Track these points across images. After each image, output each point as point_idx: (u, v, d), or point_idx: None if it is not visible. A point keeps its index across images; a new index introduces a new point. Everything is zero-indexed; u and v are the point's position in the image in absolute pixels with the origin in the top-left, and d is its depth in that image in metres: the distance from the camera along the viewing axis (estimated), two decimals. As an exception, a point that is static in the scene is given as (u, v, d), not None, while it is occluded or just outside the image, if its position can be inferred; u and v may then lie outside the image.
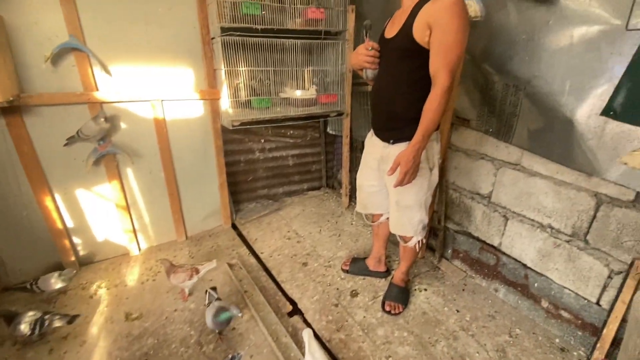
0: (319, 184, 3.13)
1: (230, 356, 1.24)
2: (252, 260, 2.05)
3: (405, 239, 1.56)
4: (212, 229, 2.37)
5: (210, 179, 2.23)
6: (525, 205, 1.58)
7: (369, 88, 2.25)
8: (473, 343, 1.48)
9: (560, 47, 1.25)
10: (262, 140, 2.64)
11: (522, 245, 1.63)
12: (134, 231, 2.03)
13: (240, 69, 1.88)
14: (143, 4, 1.69)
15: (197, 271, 1.66)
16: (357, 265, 1.89)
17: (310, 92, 2.21)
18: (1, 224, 1.66)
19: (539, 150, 1.46)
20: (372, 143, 1.52)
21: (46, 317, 1.40)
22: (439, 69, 1.13)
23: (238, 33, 1.77)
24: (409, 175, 1.23)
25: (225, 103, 1.94)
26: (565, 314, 1.50)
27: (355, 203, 2.74)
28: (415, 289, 1.80)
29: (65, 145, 1.67)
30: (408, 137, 1.25)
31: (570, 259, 1.45)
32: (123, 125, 1.82)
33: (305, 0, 1.96)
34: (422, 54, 1.17)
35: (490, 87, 1.57)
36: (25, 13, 1.47)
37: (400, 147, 1.36)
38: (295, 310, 1.65)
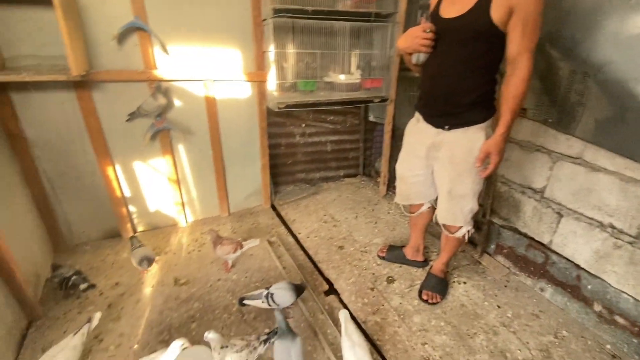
0: (355, 172, 3.12)
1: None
2: (290, 239, 2.11)
3: (452, 230, 1.53)
4: (253, 207, 2.46)
5: (254, 159, 2.30)
6: (584, 202, 1.48)
7: (417, 74, 2.22)
8: (514, 340, 1.43)
9: (645, 29, 1.13)
10: (303, 125, 2.67)
11: (576, 244, 1.53)
12: (183, 204, 2.16)
13: (289, 51, 1.90)
14: (201, -15, 1.75)
15: (241, 246, 1.74)
16: (394, 253, 1.89)
17: (355, 77, 2.19)
18: (71, 189, 1.84)
19: (607, 143, 1.35)
20: (420, 130, 1.48)
21: (73, 277, 1.53)
22: (522, 52, 1.10)
23: (289, 15, 1.78)
24: (498, 165, 1.25)
25: (272, 85, 1.97)
26: (620, 320, 1.40)
27: (393, 192, 2.70)
28: (454, 281, 1.76)
29: (127, 120, 1.79)
30: (466, 123, 1.21)
31: (632, 262, 1.34)
32: (177, 103, 1.92)
33: (357, -18, 1.92)
34: (493, 37, 1.12)
35: (553, 73, 1.46)
36: (96, -6, 1.58)
37: (456, 134, 1.32)
38: (332, 290, 1.68)
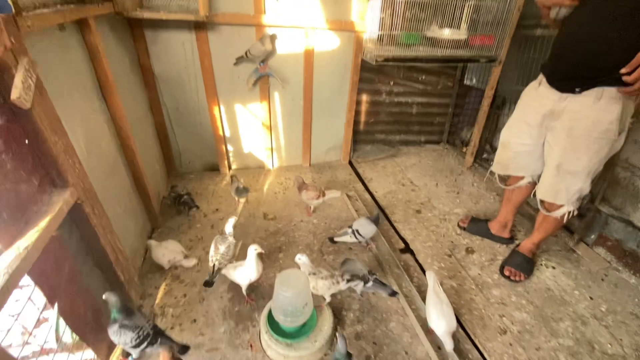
0: (438, 139, 2.97)
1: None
2: (367, 196, 2.17)
3: (551, 208, 1.41)
4: (332, 161, 2.54)
5: (340, 113, 2.33)
6: None
7: (538, 31, 1.93)
8: (606, 334, 1.34)
9: None
10: (392, 83, 2.57)
11: None
12: (272, 149, 2.32)
13: (397, -1, 1.79)
14: None
15: (324, 194, 1.84)
16: (477, 226, 1.82)
17: (461, 32, 2.00)
18: (184, 123, 2.09)
19: None
20: (540, 95, 1.33)
21: (185, 196, 1.79)
22: None
23: (404, -43, 1.65)
24: None
25: (374, 35, 1.90)
26: None
27: (480, 164, 2.54)
28: (542, 264, 1.66)
29: (235, 64, 1.92)
30: (603, 83, 1.05)
31: None
32: (279, 50, 1.98)
33: None
34: None
35: None
36: None
37: (585, 101, 1.17)
38: (407, 249, 1.72)
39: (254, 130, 2.22)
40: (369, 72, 2.43)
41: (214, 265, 1.32)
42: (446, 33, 2.00)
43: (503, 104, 2.41)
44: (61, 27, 1.06)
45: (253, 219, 1.88)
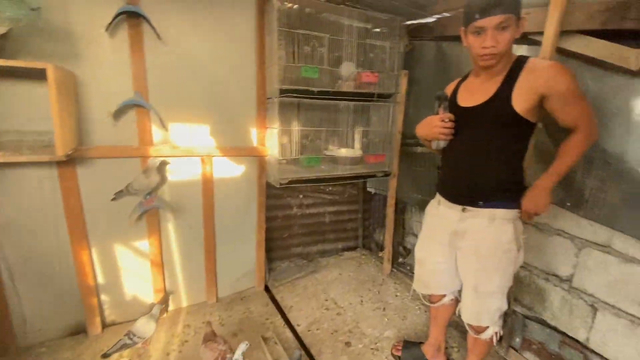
0: (354, 244, 2.94)
1: None
2: (288, 333, 1.83)
3: (479, 330, 1.34)
4: (245, 290, 2.19)
5: (249, 236, 2.11)
6: (622, 296, 1.34)
7: (419, 149, 2.21)
8: None
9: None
10: (301, 196, 2.55)
11: (618, 345, 1.36)
12: (165, 290, 1.88)
13: (293, 128, 1.86)
14: (208, 64, 1.75)
15: (231, 352, 1.45)
16: (411, 352, 1.63)
17: (357, 151, 2.16)
18: (32, 276, 1.56)
19: (634, 231, 1.27)
20: (441, 214, 1.36)
21: None
22: (579, 118, 1.07)
23: (294, 94, 1.77)
24: (544, 207, 1.14)
25: (275, 160, 1.88)
26: None
27: (398, 269, 2.52)
28: (484, 387, 1.50)
29: (113, 199, 1.62)
30: (487, 207, 1.14)
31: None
32: (171, 179, 1.78)
33: (360, 63, 1.99)
34: (515, 126, 1.10)
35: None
36: (96, 70, 1.52)
37: (481, 222, 1.21)
38: (343, 407, 1.39)
39: (140, 271, 1.80)
40: (278, 190, 2.37)
41: None
42: (344, 152, 2.14)
43: (404, 210, 2.58)
44: None
45: (130, 410, 1.33)
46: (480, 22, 1.05)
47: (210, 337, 1.48)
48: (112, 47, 1.52)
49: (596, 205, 1.37)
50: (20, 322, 1.57)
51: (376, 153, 2.15)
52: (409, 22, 2.08)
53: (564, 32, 1.33)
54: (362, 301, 2.14)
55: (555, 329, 1.58)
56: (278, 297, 2.15)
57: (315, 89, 1.80)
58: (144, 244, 1.77)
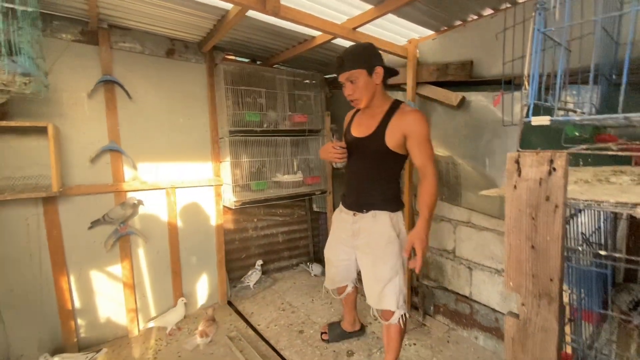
0: (307, 258, 3.35)
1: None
2: (251, 332, 2.15)
3: (387, 316, 1.55)
4: (210, 305, 2.47)
5: (210, 256, 2.45)
6: (482, 256, 1.93)
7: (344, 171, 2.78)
8: (462, 387, 1.62)
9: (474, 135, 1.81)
10: (255, 220, 2.95)
11: (487, 291, 1.92)
12: (136, 310, 2.12)
13: (243, 160, 2.33)
14: (169, 115, 2.19)
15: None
16: (335, 332, 2.01)
17: (297, 176, 2.67)
18: (16, 305, 1.76)
19: (481, 208, 1.90)
20: (342, 219, 1.69)
21: None
22: (426, 162, 1.40)
23: (242, 134, 2.27)
24: (424, 253, 1.35)
25: (229, 187, 2.32)
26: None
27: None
28: (406, 344, 1.95)
29: (90, 228, 1.91)
30: (373, 209, 1.55)
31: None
32: (141, 209, 2.11)
33: (292, 108, 2.57)
34: (389, 156, 1.48)
35: (438, 161, 2.08)
36: (78, 125, 1.89)
37: (369, 221, 1.56)
38: (297, 373, 1.74)
39: (113, 294, 2.04)
40: (234, 215, 2.76)
41: None
42: (287, 177, 2.63)
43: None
44: None
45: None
46: (339, 78, 1.46)
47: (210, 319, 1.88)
48: (91, 107, 1.92)
49: (458, 195, 1.99)
50: (4, 348, 1.73)
51: (313, 175, 2.69)
52: (327, 76, 2.75)
53: (418, 83, 2.03)
54: (313, 300, 2.54)
55: (452, 291, 2.11)
56: (240, 308, 2.46)
57: (258, 129, 2.32)
58: (117, 267, 2.04)
